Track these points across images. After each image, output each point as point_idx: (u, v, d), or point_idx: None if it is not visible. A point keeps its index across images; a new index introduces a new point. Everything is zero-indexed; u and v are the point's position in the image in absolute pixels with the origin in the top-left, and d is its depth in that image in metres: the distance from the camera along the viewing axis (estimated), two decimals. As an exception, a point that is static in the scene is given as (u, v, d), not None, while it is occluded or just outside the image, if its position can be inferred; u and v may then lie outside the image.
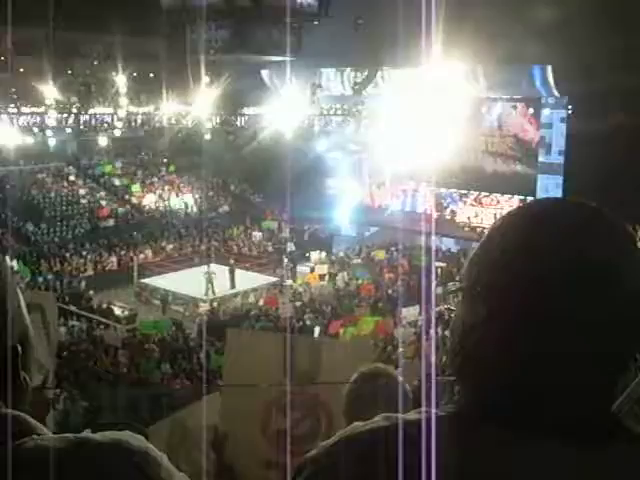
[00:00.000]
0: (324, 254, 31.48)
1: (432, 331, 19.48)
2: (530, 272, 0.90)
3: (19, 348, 1.02)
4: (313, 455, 0.98)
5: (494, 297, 0.93)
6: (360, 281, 26.09)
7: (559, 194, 29.67)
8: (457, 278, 23.56)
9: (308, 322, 21.50)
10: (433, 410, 0.92)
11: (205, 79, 34.71)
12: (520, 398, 0.90)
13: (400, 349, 18.55)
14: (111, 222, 33.56)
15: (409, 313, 21.66)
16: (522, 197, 30.24)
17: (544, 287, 0.89)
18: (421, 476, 0.85)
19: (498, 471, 0.85)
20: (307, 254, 30.90)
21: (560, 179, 31.06)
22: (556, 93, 30.52)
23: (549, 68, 29.00)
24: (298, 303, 23.74)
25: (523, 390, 0.90)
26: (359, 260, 29.69)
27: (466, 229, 33.22)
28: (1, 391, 0.98)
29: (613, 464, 0.86)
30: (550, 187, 31.15)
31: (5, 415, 0.96)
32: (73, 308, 23.08)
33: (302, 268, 29.28)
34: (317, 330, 20.60)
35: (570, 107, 31.06)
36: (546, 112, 32.11)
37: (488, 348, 0.94)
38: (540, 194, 30.19)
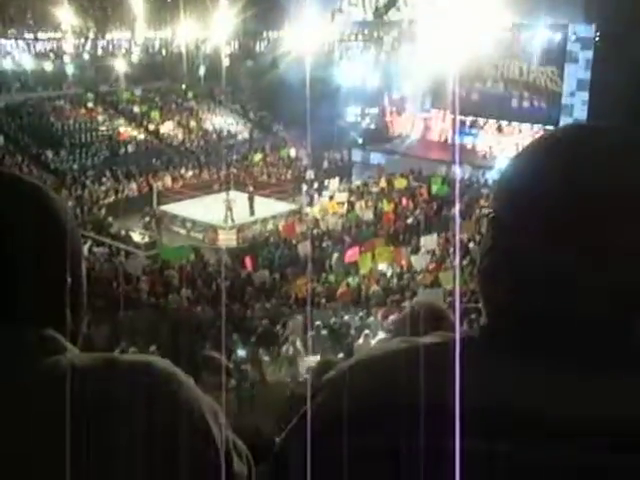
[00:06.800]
0: (343, 182, 31.43)
1: (451, 259, 19.59)
2: (542, 199, 0.88)
3: (69, 281, 1.04)
4: (331, 377, 0.98)
5: (507, 223, 0.92)
6: (379, 209, 26.09)
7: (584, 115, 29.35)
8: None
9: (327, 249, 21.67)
10: (457, 333, 0.90)
11: (223, 3, 34.14)
12: (531, 323, 0.89)
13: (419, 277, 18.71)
14: (130, 149, 33.58)
15: (427, 241, 21.72)
16: (545, 126, 29.90)
17: (560, 214, 0.87)
18: (436, 397, 0.85)
19: (501, 395, 0.85)
20: (326, 182, 30.84)
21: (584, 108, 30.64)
22: (584, 18, 29.82)
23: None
24: (316, 231, 23.81)
25: (534, 316, 0.89)
26: (378, 189, 29.60)
27: (486, 158, 32.97)
28: (42, 317, 1.01)
29: (622, 392, 0.84)
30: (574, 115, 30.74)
31: (40, 334, 0.99)
32: (93, 235, 23.33)
33: (320, 195, 29.31)
34: (335, 256, 20.73)
35: (598, 33, 30.39)
36: (572, 39, 31.45)
37: (501, 274, 0.93)
38: (564, 119, 29.85)
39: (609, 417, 0.82)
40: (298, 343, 13.07)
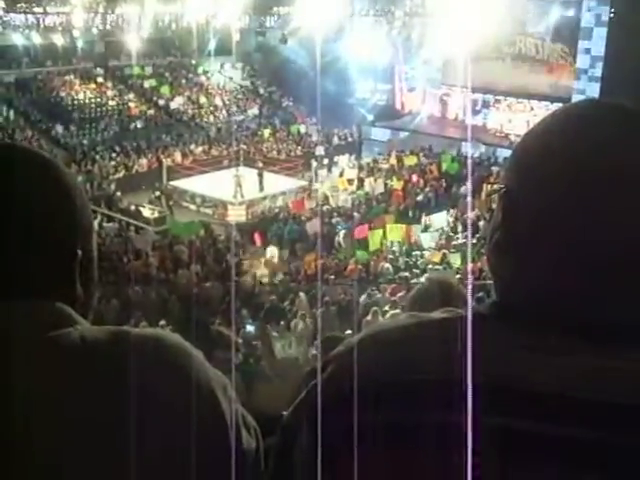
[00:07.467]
0: (353, 158, 31.34)
1: (460, 236, 19.55)
2: (554, 175, 0.89)
3: (79, 253, 1.05)
4: (338, 352, 0.98)
5: (518, 199, 0.92)
6: (389, 186, 26.02)
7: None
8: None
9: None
10: (469, 308, 0.90)
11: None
12: (540, 299, 0.89)
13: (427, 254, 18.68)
14: (140, 124, 33.51)
15: (437, 219, 21.67)
16: (557, 103, 29.64)
17: (569, 189, 0.87)
18: (443, 373, 0.85)
19: (509, 370, 0.85)
20: (335, 158, 30.75)
21: (598, 86, 30.29)
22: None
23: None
24: (326, 207, 23.77)
25: (543, 292, 0.89)
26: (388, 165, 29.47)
27: (498, 135, 32.75)
28: (53, 290, 1.02)
29: (633, 368, 0.84)
30: (587, 94, 30.41)
31: (50, 307, 0.99)
32: (103, 210, 23.36)
33: (329, 172, 29.30)
34: (342, 233, 20.69)
35: (612, 10, 30.01)
36: (586, 15, 31.08)
37: (510, 249, 0.93)
38: (577, 96, 29.54)
39: (620, 393, 0.82)
40: (307, 319, 13.11)
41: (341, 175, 27.94)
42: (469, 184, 22.23)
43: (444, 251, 18.17)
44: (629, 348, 0.85)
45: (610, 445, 0.80)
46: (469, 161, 30.18)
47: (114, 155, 29.86)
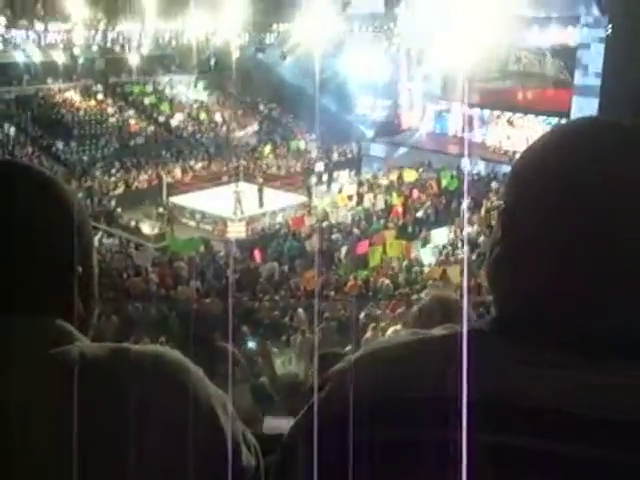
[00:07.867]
0: (352, 175, 31.35)
1: (460, 253, 19.53)
2: (552, 190, 0.89)
3: (79, 270, 1.05)
4: (337, 369, 0.98)
5: (516, 215, 0.93)
6: (389, 202, 26.02)
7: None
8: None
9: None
10: (465, 324, 0.90)
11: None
12: (540, 315, 0.89)
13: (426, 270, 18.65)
14: (140, 140, 33.58)
15: (438, 235, 21.65)
16: (556, 119, 29.66)
17: (566, 206, 0.87)
18: (443, 390, 0.85)
19: (509, 386, 0.85)
20: (335, 174, 30.77)
21: (596, 102, 30.32)
22: (596, 12, 29.54)
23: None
24: (326, 223, 23.77)
25: (543, 308, 0.89)
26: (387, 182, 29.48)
27: (497, 152, 32.73)
28: (53, 307, 1.02)
29: (632, 382, 0.83)
30: (585, 109, 30.47)
31: (50, 324, 0.99)
32: (104, 226, 23.38)
33: (329, 188, 29.33)
34: (344, 250, 20.67)
35: (610, 26, 30.09)
36: (584, 32, 31.18)
37: (509, 265, 0.93)
38: (575, 115, 29.54)
39: (618, 409, 0.81)
40: (307, 335, 13.09)
41: (340, 191, 27.97)
42: (466, 199, 22.23)
43: (444, 267, 18.14)
44: (627, 363, 0.85)
45: (607, 462, 0.79)
46: (466, 177, 30.15)
47: (114, 171, 29.90)
